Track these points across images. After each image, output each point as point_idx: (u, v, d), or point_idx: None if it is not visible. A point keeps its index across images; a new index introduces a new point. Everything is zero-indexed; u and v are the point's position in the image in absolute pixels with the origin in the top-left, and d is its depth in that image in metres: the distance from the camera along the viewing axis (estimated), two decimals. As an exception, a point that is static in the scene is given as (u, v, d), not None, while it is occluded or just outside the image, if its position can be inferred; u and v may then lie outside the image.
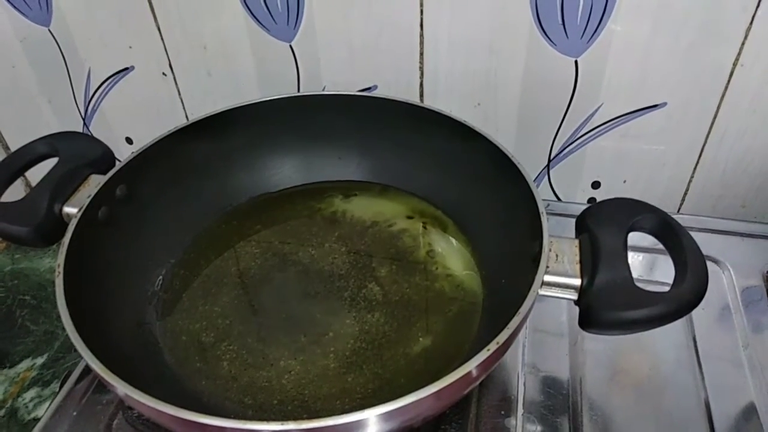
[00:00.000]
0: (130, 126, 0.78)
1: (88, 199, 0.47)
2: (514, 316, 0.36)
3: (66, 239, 0.44)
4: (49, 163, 0.51)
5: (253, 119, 0.57)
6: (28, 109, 0.79)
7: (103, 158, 0.52)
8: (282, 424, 0.31)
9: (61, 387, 0.50)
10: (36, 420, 0.50)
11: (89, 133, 0.79)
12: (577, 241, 0.41)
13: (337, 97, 0.58)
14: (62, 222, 0.48)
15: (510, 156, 0.47)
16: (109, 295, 0.47)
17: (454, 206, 0.57)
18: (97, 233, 0.47)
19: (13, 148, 0.56)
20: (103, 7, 0.66)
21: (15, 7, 0.69)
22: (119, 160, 0.51)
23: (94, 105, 0.76)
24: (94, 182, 0.50)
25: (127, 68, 0.71)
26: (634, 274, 0.38)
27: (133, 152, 0.51)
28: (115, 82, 0.73)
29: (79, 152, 0.52)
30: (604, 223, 0.40)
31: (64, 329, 0.71)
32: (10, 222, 0.47)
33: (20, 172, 0.51)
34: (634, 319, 0.37)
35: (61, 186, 0.49)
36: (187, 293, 0.53)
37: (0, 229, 0.47)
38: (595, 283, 0.38)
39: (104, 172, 0.50)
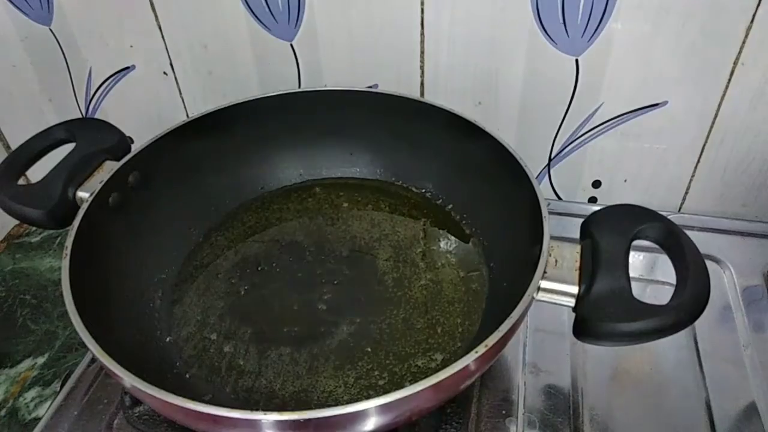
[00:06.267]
0: (130, 125, 0.78)
1: (100, 185, 0.48)
2: (506, 319, 0.36)
3: (75, 222, 0.44)
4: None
5: (262, 113, 0.57)
6: (29, 108, 0.78)
7: (119, 145, 0.53)
8: (281, 414, 0.32)
9: (62, 387, 0.50)
10: (37, 420, 0.50)
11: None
12: (578, 247, 0.40)
13: (350, 93, 0.58)
14: (75, 206, 0.48)
15: (518, 158, 0.47)
16: (116, 281, 0.47)
17: (461, 206, 0.58)
18: (107, 219, 0.48)
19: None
20: (104, 7, 0.66)
21: (16, 6, 0.69)
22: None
23: (95, 104, 0.76)
24: (108, 168, 0.50)
25: (128, 67, 0.71)
26: (635, 274, 0.38)
27: (146, 141, 0.51)
28: (116, 82, 0.73)
29: (95, 138, 0.52)
30: (608, 230, 0.40)
31: (65, 329, 0.72)
32: (24, 204, 0.48)
33: (38, 156, 0.52)
34: (628, 331, 0.36)
35: (75, 171, 0.49)
36: (193, 285, 0.53)
37: (15, 210, 0.48)
38: (592, 292, 0.38)
39: (119, 159, 0.50)
